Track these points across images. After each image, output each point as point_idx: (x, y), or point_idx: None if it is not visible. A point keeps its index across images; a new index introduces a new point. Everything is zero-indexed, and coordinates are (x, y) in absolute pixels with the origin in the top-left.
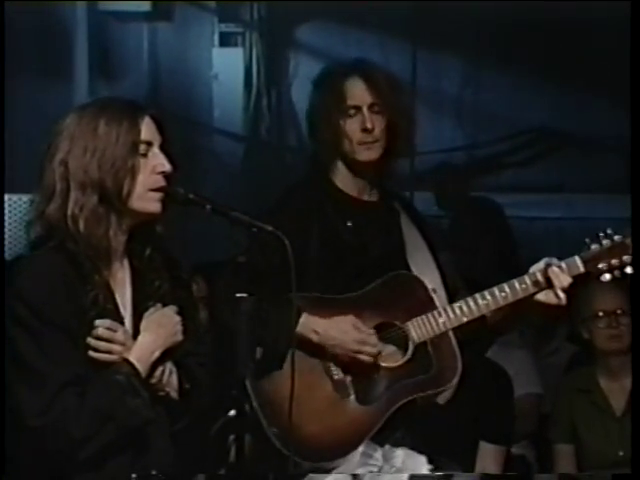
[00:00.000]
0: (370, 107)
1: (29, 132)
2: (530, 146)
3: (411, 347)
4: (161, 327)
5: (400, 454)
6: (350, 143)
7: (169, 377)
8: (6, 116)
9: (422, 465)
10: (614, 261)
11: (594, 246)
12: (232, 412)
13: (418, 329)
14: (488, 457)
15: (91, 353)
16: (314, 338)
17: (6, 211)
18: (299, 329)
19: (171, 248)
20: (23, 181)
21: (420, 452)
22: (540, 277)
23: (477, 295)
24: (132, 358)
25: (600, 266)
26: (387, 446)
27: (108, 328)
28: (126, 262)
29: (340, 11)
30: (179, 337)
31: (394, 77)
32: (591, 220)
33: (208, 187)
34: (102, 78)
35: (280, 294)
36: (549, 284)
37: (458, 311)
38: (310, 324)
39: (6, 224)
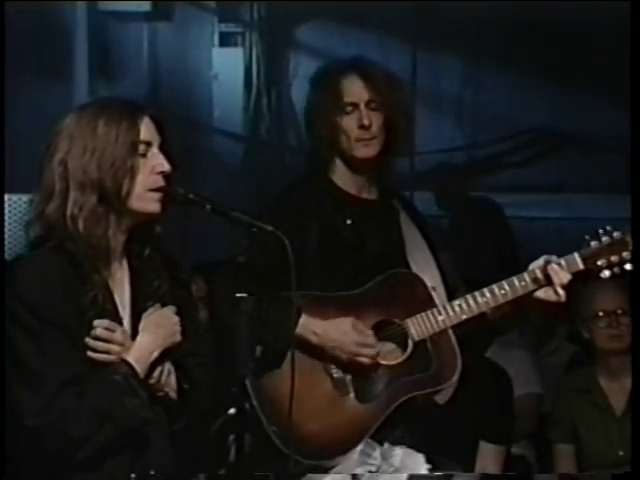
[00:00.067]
0: (367, 104)
1: (29, 132)
2: (530, 146)
3: (410, 345)
4: (160, 327)
5: (399, 453)
6: (347, 140)
7: (168, 377)
8: (6, 116)
9: (421, 464)
10: (613, 258)
11: (593, 243)
12: (232, 410)
13: (417, 327)
14: (488, 457)
15: (89, 353)
16: (314, 339)
17: (6, 211)
18: (299, 330)
19: (170, 248)
20: (23, 181)
21: (418, 450)
22: (539, 274)
23: (476, 293)
24: (130, 358)
25: (599, 263)
26: (386, 445)
27: (106, 328)
28: (125, 262)
29: (340, 11)
30: (178, 337)
31: (392, 74)
32: (591, 220)
33: (208, 187)
34: (102, 78)
35: (280, 293)
36: (548, 281)
37: (457, 309)
38: (309, 325)
39: (6, 224)
